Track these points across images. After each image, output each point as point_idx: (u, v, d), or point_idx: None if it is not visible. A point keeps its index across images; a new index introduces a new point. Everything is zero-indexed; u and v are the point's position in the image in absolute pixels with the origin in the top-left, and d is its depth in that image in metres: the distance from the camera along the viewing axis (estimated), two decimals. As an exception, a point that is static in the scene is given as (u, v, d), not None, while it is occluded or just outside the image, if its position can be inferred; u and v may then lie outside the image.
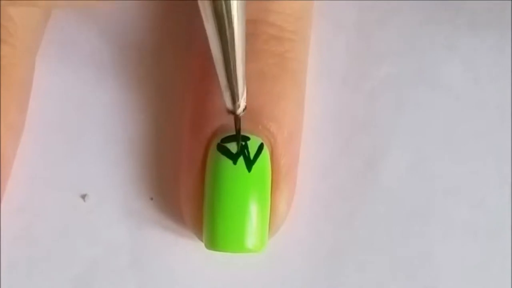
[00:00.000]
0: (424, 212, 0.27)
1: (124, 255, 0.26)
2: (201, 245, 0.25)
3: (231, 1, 0.20)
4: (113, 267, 0.26)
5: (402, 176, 0.27)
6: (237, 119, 0.24)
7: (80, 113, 0.28)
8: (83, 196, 0.27)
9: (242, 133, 0.25)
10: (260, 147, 0.25)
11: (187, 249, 0.26)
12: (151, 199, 0.27)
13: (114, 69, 0.28)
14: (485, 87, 0.28)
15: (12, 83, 0.25)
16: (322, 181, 0.27)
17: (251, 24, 0.25)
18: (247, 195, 0.24)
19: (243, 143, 0.25)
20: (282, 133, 0.25)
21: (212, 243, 0.24)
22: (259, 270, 0.26)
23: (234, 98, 0.23)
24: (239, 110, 0.24)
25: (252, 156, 0.24)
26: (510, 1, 0.29)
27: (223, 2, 0.20)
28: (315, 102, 0.28)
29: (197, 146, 0.25)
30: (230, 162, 0.24)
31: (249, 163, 0.24)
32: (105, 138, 0.27)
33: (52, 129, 0.27)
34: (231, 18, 0.20)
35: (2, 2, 0.24)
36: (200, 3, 0.20)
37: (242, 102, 0.24)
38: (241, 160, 0.24)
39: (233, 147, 0.25)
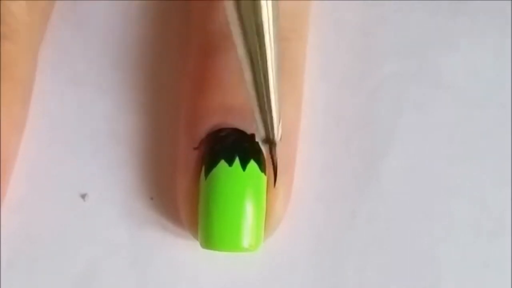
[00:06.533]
0: (424, 212, 0.27)
1: (124, 255, 0.26)
2: (201, 245, 0.25)
3: (263, 24, 0.19)
4: (113, 267, 0.26)
5: (403, 176, 0.27)
6: (273, 147, 0.24)
7: (81, 113, 0.28)
8: (83, 196, 0.27)
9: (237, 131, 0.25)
10: (256, 146, 0.25)
11: (187, 249, 0.26)
12: (151, 199, 0.27)
13: (114, 69, 0.28)
14: (486, 87, 0.28)
15: (14, 79, 0.25)
16: (322, 181, 0.27)
17: None
18: (242, 194, 0.24)
19: (238, 141, 0.24)
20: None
21: (207, 242, 0.24)
22: (259, 270, 0.26)
23: (272, 125, 0.22)
24: (278, 138, 0.23)
25: (247, 155, 0.24)
26: (510, 1, 0.29)
27: (253, 21, 0.19)
28: (315, 102, 0.28)
29: (192, 146, 0.25)
30: (225, 161, 0.24)
31: (244, 162, 0.24)
32: (105, 138, 0.27)
33: (52, 129, 0.27)
34: (261, 34, 0.19)
35: None
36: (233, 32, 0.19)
37: (279, 129, 0.23)
38: (236, 159, 0.24)
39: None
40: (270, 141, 0.23)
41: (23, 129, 0.27)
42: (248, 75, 0.20)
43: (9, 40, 0.25)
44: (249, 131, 0.25)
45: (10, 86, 0.25)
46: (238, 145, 0.24)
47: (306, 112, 0.27)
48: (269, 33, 0.19)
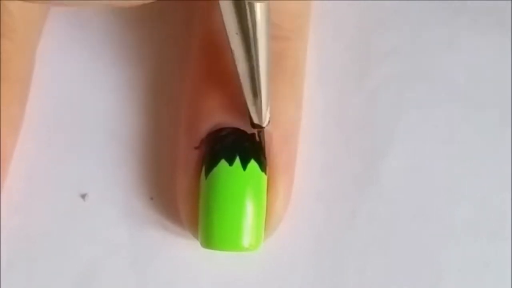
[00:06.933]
0: (424, 212, 0.27)
1: (124, 255, 0.26)
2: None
3: (256, 15, 0.20)
4: (113, 267, 0.26)
5: (403, 176, 0.27)
6: (262, 133, 0.25)
7: (81, 113, 0.28)
8: (83, 196, 0.27)
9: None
10: (256, 146, 0.25)
11: (187, 249, 0.26)
12: (151, 199, 0.27)
13: (114, 69, 0.28)
14: (485, 87, 0.28)
15: (11, 77, 0.26)
16: (322, 181, 0.27)
17: None
18: (242, 193, 0.24)
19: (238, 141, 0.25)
20: (278, 132, 0.25)
21: (207, 242, 0.24)
22: (259, 270, 0.26)
23: (260, 111, 0.23)
24: (265, 123, 0.24)
25: (247, 154, 0.24)
26: (510, 1, 0.29)
27: (249, 21, 0.20)
28: (315, 102, 0.28)
29: (192, 145, 0.25)
30: (225, 161, 0.24)
31: (245, 162, 0.24)
32: (105, 138, 0.27)
33: (52, 128, 0.27)
34: (255, 33, 0.21)
35: None
36: (225, 20, 0.21)
37: (267, 115, 0.24)
38: (236, 158, 0.24)
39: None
40: (259, 126, 0.24)
41: (19, 129, 0.27)
42: (242, 66, 0.22)
43: (7, 39, 0.25)
44: (249, 130, 0.25)
45: (8, 86, 0.25)
46: (239, 145, 0.24)
47: (306, 112, 0.27)
48: (261, 27, 0.21)
